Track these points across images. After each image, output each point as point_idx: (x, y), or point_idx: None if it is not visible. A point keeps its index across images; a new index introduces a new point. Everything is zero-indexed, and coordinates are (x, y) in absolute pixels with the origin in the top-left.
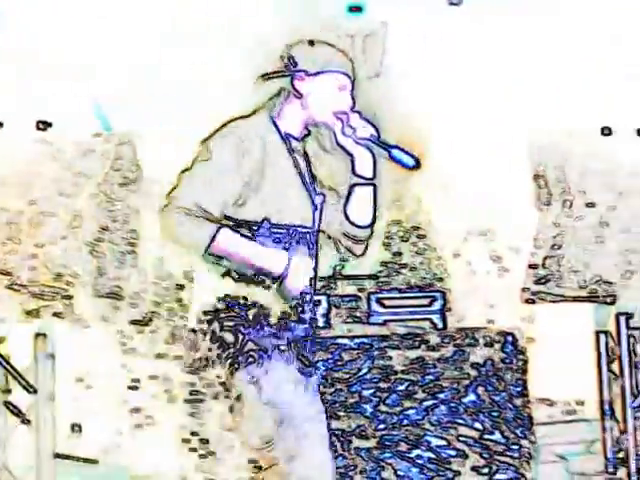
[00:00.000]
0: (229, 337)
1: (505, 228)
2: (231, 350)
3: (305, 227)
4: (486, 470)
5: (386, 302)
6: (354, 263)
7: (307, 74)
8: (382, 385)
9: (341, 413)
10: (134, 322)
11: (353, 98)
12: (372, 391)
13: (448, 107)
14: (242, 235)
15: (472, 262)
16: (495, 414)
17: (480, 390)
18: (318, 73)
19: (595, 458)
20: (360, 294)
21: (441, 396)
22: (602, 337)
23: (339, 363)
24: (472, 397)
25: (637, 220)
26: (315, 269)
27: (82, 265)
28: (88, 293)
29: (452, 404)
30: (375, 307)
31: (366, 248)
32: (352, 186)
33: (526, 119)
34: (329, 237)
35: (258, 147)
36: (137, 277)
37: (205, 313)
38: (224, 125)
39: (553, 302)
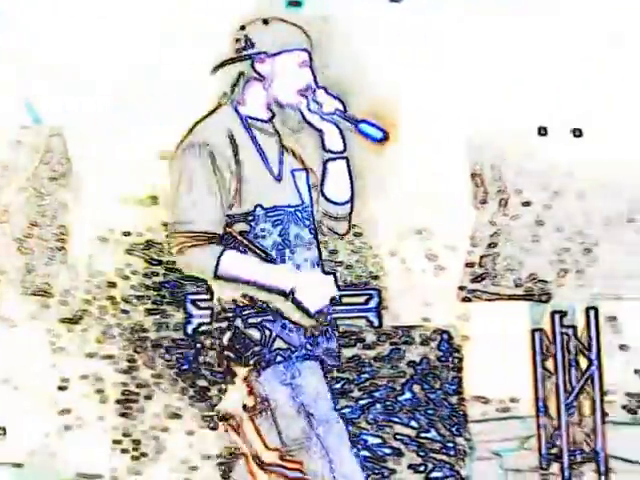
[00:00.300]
0: (255, 334)
1: (441, 227)
2: (257, 348)
3: (294, 206)
4: (422, 468)
5: None
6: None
7: (267, 55)
8: None
9: None
10: (64, 320)
11: (314, 73)
12: None
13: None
14: (248, 248)
15: (408, 260)
16: (431, 412)
17: (416, 388)
18: (278, 53)
19: (529, 454)
20: None
21: (377, 394)
22: (537, 335)
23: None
24: (408, 395)
25: (572, 219)
26: (318, 247)
27: (10, 262)
28: (16, 291)
29: (388, 402)
30: None
31: (349, 226)
32: (325, 162)
33: (463, 118)
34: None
35: (227, 144)
36: (67, 274)
37: (224, 310)
38: (190, 130)
39: (489, 300)
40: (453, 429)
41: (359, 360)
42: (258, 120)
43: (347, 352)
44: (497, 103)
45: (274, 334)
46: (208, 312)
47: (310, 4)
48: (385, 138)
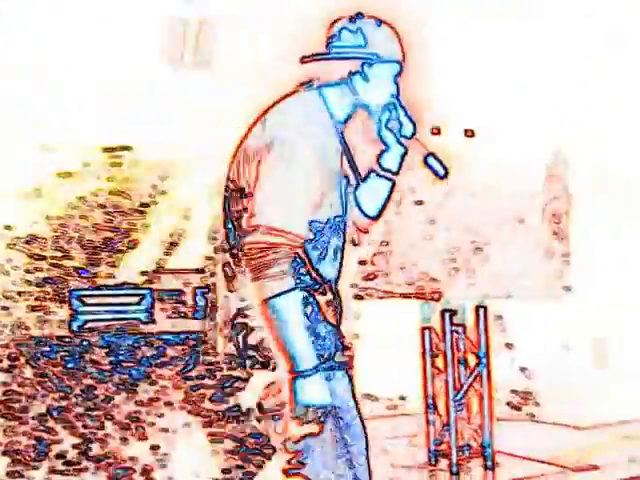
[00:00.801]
0: None
1: None
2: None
3: (339, 216)
4: None
5: (210, 296)
6: (180, 257)
7: (377, 59)
8: (208, 382)
9: (165, 411)
10: None
11: (399, 90)
12: (198, 388)
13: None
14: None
15: None
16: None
17: None
18: (379, 61)
19: (418, 451)
20: (185, 289)
21: None
22: (427, 333)
23: (163, 359)
24: None
25: (463, 219)
26: (341, 258)
27: None
28: None
29: None
30: (201, 302)
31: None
32: (371, 174)
33: None
34: None
35: (311, 128)
36: None
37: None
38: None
39: (381, 298)
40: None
41: None
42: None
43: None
44: None
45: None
46: (95, 308)
47: None
48: (446, 176)
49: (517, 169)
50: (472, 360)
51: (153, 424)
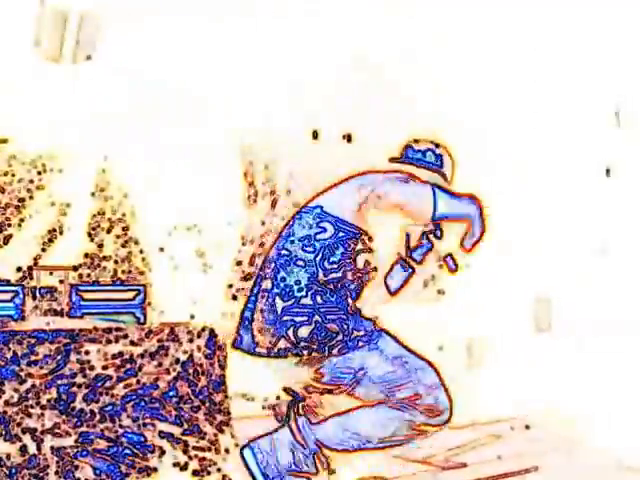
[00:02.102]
0: (334, 327)
1: (211, 224)
2: (339, 338)
3: None
4: (186, 465)
5: (86, 295)
6: (56, 253)
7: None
8: (79, 380)
9: (35, 411)
10: None
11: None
12: (68, 387)
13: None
14: None
15: (176, 257)
16: (196, 409)
17: (180, 385)
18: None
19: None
20: (60, 286)
21: (141, 392)
22: None
23: (35, 358)
24: (173, 393)
25: None
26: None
27: None
28: None
29: (153, 400)
30: (75, 300)
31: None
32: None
33: (237, 118)
34: None
35: None
36: None
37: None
38: None
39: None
40: (217, 426)
41: (123, 357)
42: None
43: (111, 348)
44: (273, 104)
45: (351, 326)
46: None
47: None
48: (456, 270)
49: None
50: None
51: (19, 424)
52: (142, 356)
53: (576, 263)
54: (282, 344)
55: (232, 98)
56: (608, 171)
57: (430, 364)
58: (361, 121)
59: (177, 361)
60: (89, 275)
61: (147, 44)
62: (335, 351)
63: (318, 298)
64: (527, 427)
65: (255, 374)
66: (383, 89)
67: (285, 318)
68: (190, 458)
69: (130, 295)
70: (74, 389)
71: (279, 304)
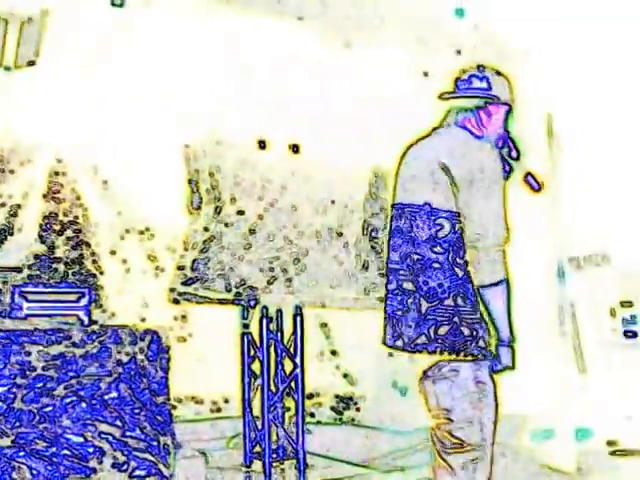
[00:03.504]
0: (466, 331)
1: (163, 229)
2: (467, 342)
3: None
4: (125, 467)
5: (30, 296)
6: (5, 254)
7: (498, 101)
8: (19, 381)
9: None
10: None
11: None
12: (8, 388)
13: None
14: None
15: (128, 260)
16: (137, 411)
17: (122, 387)
18: (501, 103)
19: (235, 453)
20: (2, 287)
21: (82, 393)
22: (246, 338)
23: None
24: (114, 394)
25: (282, 231)
26: None
27: None
28: None
29: (94, 401)
30: (18, 300)
31: None
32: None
33: (182, 125)
34: None
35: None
36: None
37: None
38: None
39: (199, 303)
40: (158, 428)
41: (65, 358)
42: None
43: (53, 350)
44: (219, 113)
45: (480, 333)
46: None
47: None
48: (540, 189)
49: (339, 184)
50: (288, 366)
51: None
52: (84, 357)
53: None
54: (421, 340)
55: (178, 106)
56: None
57: None
58: (309, 132)
59: (119, 363)
60: (39, 276)
61: (92, 48)
62: (462, 355)
63: (459, 300)
64: None
65: (203, 377)
66: (332, 100)
67: (429, 317)
68: (129, 459)
69: (74, 297)
70: (14, 390)
71: (424, 305)
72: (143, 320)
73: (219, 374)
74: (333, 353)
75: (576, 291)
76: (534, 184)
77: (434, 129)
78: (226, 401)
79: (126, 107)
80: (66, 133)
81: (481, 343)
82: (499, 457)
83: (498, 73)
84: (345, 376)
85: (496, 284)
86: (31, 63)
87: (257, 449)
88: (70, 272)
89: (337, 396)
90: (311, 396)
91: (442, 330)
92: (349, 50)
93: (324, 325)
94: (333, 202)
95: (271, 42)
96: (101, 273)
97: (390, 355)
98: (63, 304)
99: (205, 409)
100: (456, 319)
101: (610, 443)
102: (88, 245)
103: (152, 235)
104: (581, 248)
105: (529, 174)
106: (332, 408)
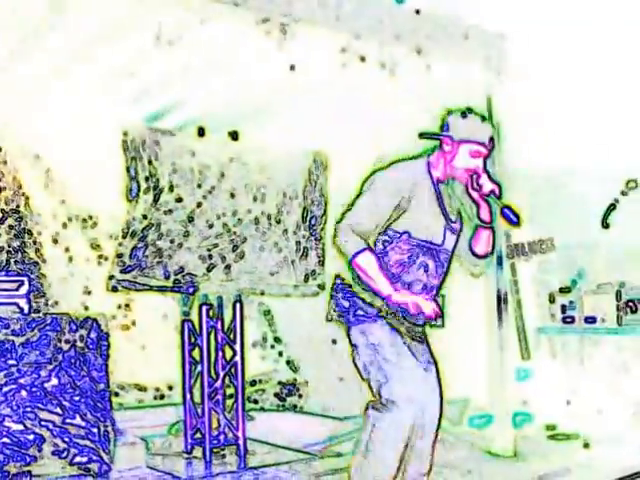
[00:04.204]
0: (345, 303)
1: (106, 217)
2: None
3: (434, 244)
4: (65, 454)
5: None
6: None
7: (452, 140)
8: None
9: None
10: None
11: (485, 160)
12: None
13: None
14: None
15: (71, 248)
16: (77, 399)
17: (62, 375)
18: (461, 141)
19: (175, 440)
20: None
21: (22, 381)
22: (186, 326)
23: None
24: (54, 382)
25: (221, 218)
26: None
27: None
28: None
29: (34, 389)
30: None
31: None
32: (476, 228)
33: (121, 113)
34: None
35: (409, 188)
36: None
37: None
38: (392, 163)
39: (137, 291)
40: (99, 415)
41: (4, 346)
42: (440, 181)
43: None
44: (157, 100)
45: (357, 305)
46: None
47: None
48: (518, 223)
49: (280, 172)
50: (229, 353)
51: None
52: (23, 345)
53: None
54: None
55: (116, 93)
56: None
57: None
58: (249, 119)
59: (59, 351)
60: None
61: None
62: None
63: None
64: None
65: (147, 364)
66: (268, 86)
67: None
68: (69, 446)
69: (14, 285)
70: None
71: None
72: (86, 308)
73: (162, 361)
74: (276, 340)
75: (518, 277)
76: (512, 218)
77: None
78: (170, 388)
79: (66, 95)
80: (6, 122)
81: (360, 312)
82: (439, 442)
83: (464, 114)
84: (288, 363)
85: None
86: None
87: (198, 435)
88: (12, 260)
89: (280, 382)
90: (254, 383)
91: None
92: (287, 36)
93: (267, 312)
94: (273, 189)
95: (209, 28)
96: (43, 261)
97: (333, 342)
98: (3, 292)
99: (149, 396)
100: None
101: (549, 427)
102: (30, 233)
103: (95, 223)
104: (523, 235)
105: (506, 207)
106: (276, 395)
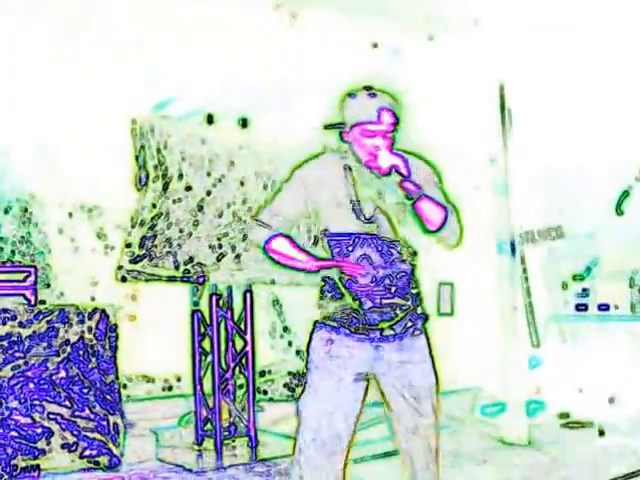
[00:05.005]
0: None
1: (112, 206)
2: None
3: (371, 235)
4: (75, 447)
5: None
6: None
7: (345, 125)
8: None
9: None
10: None
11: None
12: None
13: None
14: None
15: (77, 238)
16: (86, 391)
17: (71, 367)
18: (353, 126)
19: (185, 431)
20: None
21: (30, 373)
22: (195, 316)
23: None
24: (63, 374)
25: (231, 207)
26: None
27: None
28: None
29: (42, 381)
30: None
31: (459, 238)
32: (412, 206)
33: (129, 101)
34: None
35: (315, 182)
36: None
37: None
38: (304, 162)
39: (147, 281)
40: (108, 408)
41: (11, 338)
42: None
43: None
44: (164, 88)
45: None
46: None
47: None
48: (419, 195)
49: (290, 160)
50: (239, 343)
51: None
52: (31, 337)
53: None
54: None
55: (124, 82)
56: None
57: None
58: (257, 106)
59: (67, 342)
60: None
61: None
62: None
63: None
64: None
65: (155, 355)
66: (278, 75)
67: None
68: (79, 439)
69: (20, 276)
70: None
71: None
72: (93, 299)
73: (171, 352)
74: (285, 330)
75: (529, 265)
76: (412, 188)
77: None
78: (178, 379)
79: (73, 83)
80: (13, 113)
81: None
82: (451, 430)
83: (350, 95)
84: (297, 353)
85: None
86: None
87: (208, 427)
88: (17, 251)
89: (290, 373)
90: (263, 373)
91: None
92: (296, 22)
93: (276, 302)
94: (282, 176)
95: (217, 17)
96: (49, 252)
97: None
98: (8, 283)
99: (157, 388)
100: None
101: (562, 415)
102: (35, 224)
103: (100, 213)
104: (533, 222)
105: (407, 179)
106: (285, 385)
